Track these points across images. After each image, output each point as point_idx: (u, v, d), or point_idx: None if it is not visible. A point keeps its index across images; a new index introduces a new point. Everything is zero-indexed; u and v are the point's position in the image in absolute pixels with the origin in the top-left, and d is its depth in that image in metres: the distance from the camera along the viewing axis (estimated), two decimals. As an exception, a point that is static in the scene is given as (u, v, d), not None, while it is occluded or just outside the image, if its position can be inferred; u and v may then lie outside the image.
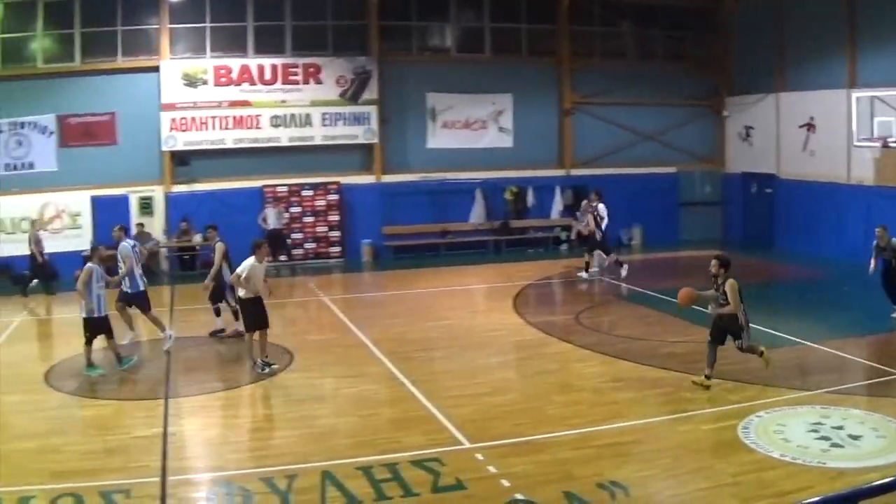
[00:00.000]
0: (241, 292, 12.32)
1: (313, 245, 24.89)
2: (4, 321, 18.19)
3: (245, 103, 24.39)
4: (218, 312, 15.63)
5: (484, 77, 25.60)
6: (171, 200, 24.24)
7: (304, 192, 24.69)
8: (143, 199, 24.09)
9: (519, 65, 25.95)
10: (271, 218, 23.43)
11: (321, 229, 24.89)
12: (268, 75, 24.44)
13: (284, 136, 24.58)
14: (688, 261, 23.07)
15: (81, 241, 23.21)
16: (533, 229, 25.89)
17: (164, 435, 9.80)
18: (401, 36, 25.39)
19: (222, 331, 15.56)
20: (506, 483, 7.86)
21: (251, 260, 11.99)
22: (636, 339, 13.64)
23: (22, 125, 23.81)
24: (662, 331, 14.25)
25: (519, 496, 7.54)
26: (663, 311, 15.47)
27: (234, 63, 24.30)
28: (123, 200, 23.97)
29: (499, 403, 10.47)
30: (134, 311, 14.91)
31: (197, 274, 22.97)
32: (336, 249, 24.90)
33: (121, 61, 24.12)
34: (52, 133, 23.92)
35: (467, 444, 8.99)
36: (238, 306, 13.19)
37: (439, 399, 10.59)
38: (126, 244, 14.28)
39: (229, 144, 24.40)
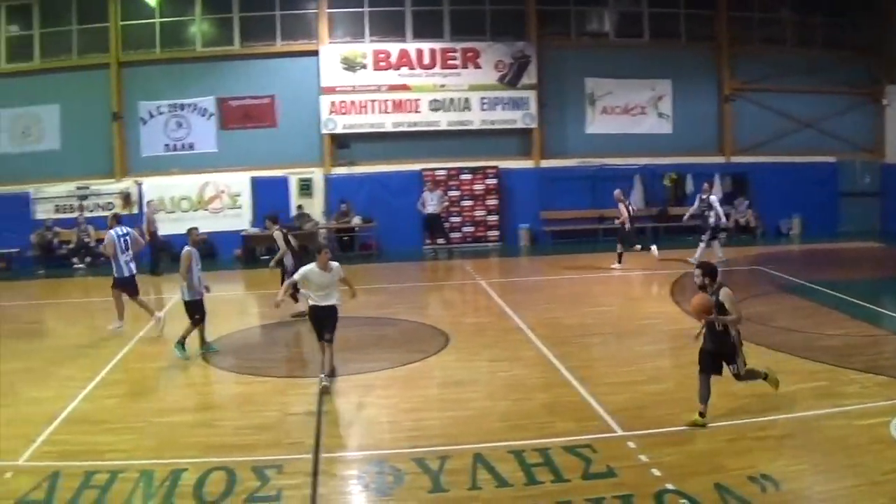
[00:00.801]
0: (309, 300, 11.17)
1: (471, 229, 25.02)
2: (164, 297, 18.79)
3: (404, 87, 24.77)
4: (295, 298, 15.62)
5: (642, 62, 25.80)
6: (330, 182, 24.54)
7: (463, 176, 24.88)
8: (302, 180, 24.42)
9: (677, 50, 26.13)
10: (431, 201, 23.58)
11: (479, 213, 25.03)
12: (426, 60, 24.85)
13: (443, 121, 24.88)
14: (846, 252, 22.78)
15: (241, 221, 23.67)
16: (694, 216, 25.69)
17: (318, 413, 9.94)
18: (559, 20, 25.74)
19: (303, 314, 15.60)
20: (656, 472, 7.77)
21: (311, 266, 10.95)
22: (792, 331, 13.15)
23: (182, 107, 24.40)
24: (819, 323, 13.82)
25: (669, 486, 7.45)
26: (821, 303, 15.24)
27: (393, 47, 24.75)
28: (283, 182, 24.34)
29: (653, 392, 10.33)
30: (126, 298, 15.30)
31: (355, 255, 23.25)
32: (494, 233, 25.02)
33: (279, 45, 24.69)
34: (212, 115, 24.46)
35: (619, 432, 8.91)
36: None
37: (593, 385, 10.54)
38: (112, 232, 14.63)
39: (388, 128, 24.76)
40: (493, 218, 24.99)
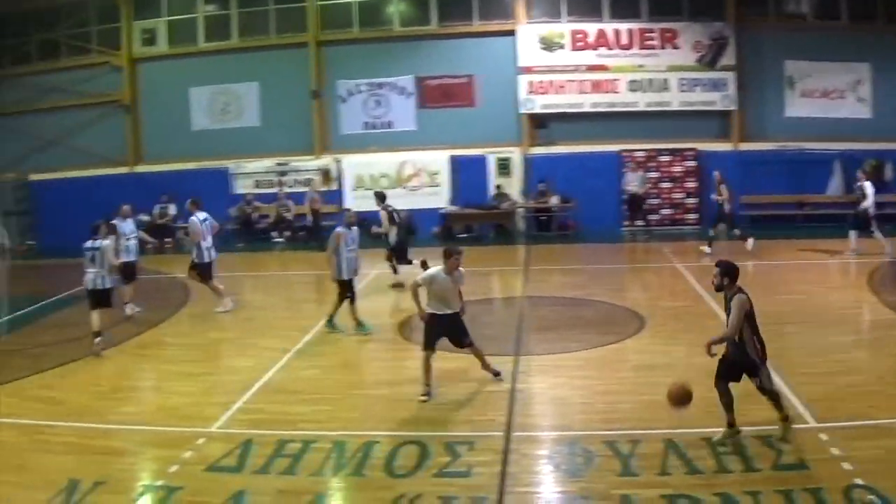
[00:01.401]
0: (427, 307, 10.26)
1: (670, 211, 25.08)
2: (363, 272, 19.06)
3: (602, 67, 25.04)
4: (395, 269, 16.64)
5: (841, 45, 25.71)
6: (529, 162, 24.79)
7: (662, 158, 24.96)
8: (500, 160, 24.74)
9: (876, 32, 26.04)
10: (634, 182, 23.72)
11: (678, 196, 25.08)
12: (624, 40, 25.09)
13: (642, 101, 25.07)
14: None
15: (439, 199, 23.98)
16: (892, 204, 25.56)
17: (512, 391, 10.03)
18: (757, 0, 25.80)
19: (401, 284, 16.00)
20: (848, 467, 7.54)
21: (436, 269, 10.13)
22: None
23: (381, 86, 24.90)
24: None
25: (859, 481, 7.21)
26: None
27: (591, 28, 25.04)
28: (481, 161, 24.70)
29: (849, 384, 10.00)
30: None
31: (553, 235, 23.44)
32: (692, 216, 25.00)
33: (476, 25, 25.12)
34: (410, 94, 24.92)
35: (812, 423, 8.70)
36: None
37: (788, 375, 10.19)
38: (195, 218, 14.98)
39: (587, 108, 25.00)
40: (692, 201, 25.02)
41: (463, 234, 24.16)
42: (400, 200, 23.08)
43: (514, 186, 24.63)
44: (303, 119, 24.86)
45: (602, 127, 24.97)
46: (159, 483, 8.19)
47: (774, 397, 8.39)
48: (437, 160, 24.44)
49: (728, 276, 8.20)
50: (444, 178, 24.47)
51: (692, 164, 25.01)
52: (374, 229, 18.90)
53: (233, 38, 25.23)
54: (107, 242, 13.49)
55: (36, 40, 26.71)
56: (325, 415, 9.58)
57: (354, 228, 13.43)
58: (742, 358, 8.18)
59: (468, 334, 10.25)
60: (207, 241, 15.08)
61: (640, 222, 24.05)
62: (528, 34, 24.74)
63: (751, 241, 19.83)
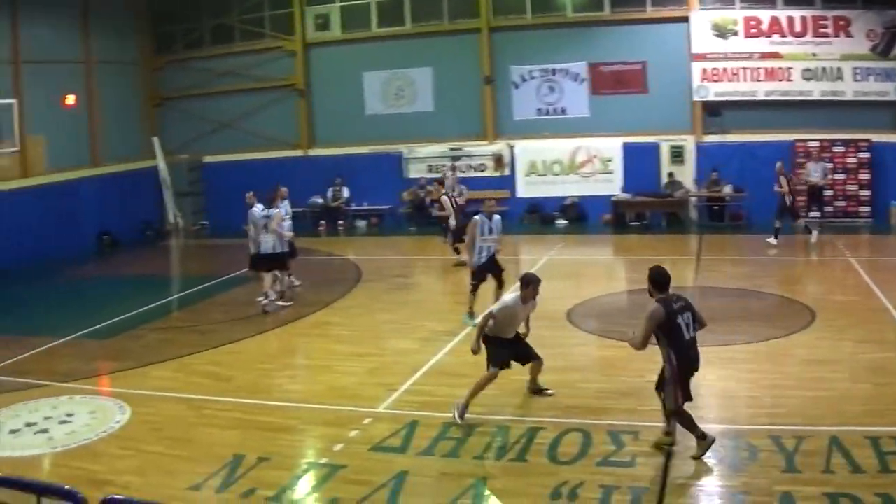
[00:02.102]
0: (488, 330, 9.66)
1: (843, 203, 25.45)
2: (533, 258, 19.85)
3: (775, 55, 25.48)
4: (457, 251, 17.63)
5: None
6: (701, 150, 25.42)
7: (835, 149, 25.31)
8: (673, 147, 25.40)
9: None
10: (816, 172, 24.10)
11: (851, 188, 25.43)
12: (797, 27, 25.48)
13: (816, 90, 25.44)
14: None
15: (611, 186, 24.74)
16: None
17: None
18: (935, -12, 25.95)
19: (464, 263, 16.42)
20: None
21: (512, 297, 9.88)
22: None
23: (553, 72, 25.70)
24: None
25: None
26: None
27: (764, 14, 25.48)
28: (653, 148, 25.39)
29: None
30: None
31: (725, 225, 24.01)
32: (865, 209, 25.34)
33: (650, 11, 25.75)
34: (583, 80, 25.65)
35: None
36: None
37: None
38: (255, 210, 15.56)
39: (760, 97, 25.45)
40: (865, 193, 25.33)
41: (634, 221, 24.86)
42: (572, 187, 24.05)
43: (686, 174, 25.17)
44: (475, 105, 25.77)
45: (774, 116, 25.44)
46: (323, 461, 8.60)
47: (669, 420, 8.30)
48: (610, 147, 25.19)
49: (651, 283, 8.11)
50: (617, 165, 25.19)
51: (865, 155, 25.31)
52: (434, 212, 21.07)
53: (406, 23, 26.18)
54: (276, 211, 15.29)
55: (210, 25, 28.02)
56: (490, 399, 9.71)
57: (496, 217, 13.67)
58: (663, 371, 8.12)
59: (533, 350, 9.91)
60: (266, 234, 15.67)
61: (816, 213, 24.40)
62: (701, 21, 25.28)
63: (815, 233, 20.51)
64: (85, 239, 24.41)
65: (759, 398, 9.78)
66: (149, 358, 13.36)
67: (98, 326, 15.25)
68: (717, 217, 25.08)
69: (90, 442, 9.65)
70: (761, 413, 9.25)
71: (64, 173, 25.27)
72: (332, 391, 10.84)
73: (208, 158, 27.89)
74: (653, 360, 8.68)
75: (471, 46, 26.07)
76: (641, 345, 7.99)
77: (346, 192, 25.70)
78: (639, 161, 25.21)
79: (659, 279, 8.04)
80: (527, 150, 25.71)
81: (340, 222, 26.09)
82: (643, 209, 25.35)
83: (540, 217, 25.10)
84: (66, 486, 4.84)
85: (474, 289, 13.62)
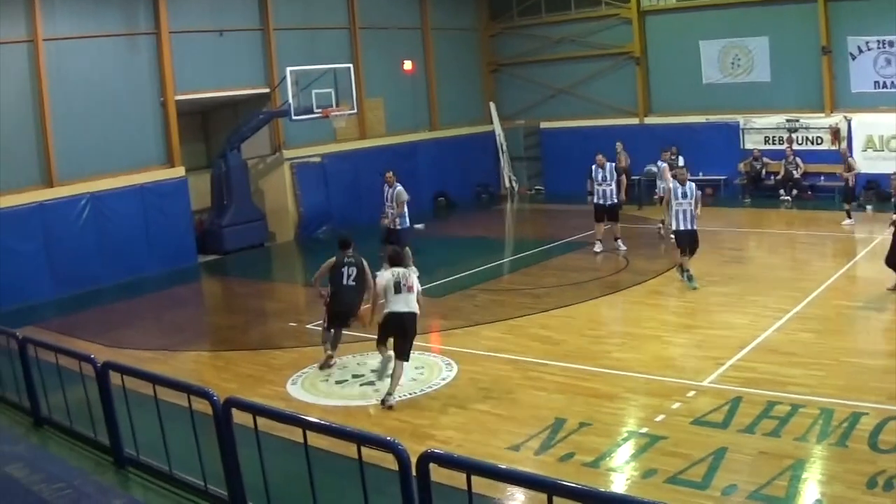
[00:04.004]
0: None
1: None
2: (867, 238, 19.69)
3: None
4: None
5: None
6: None
7: None
8: None
9: None
10: None
11: None
12: None
13: None
14: None
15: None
16: None
17: None
18: None
19: None
20: None
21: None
22: None
23: (892, 44, 26.82)
24: None
25: None
26: None
27: None
28: None
29: None
30: None
31: None
32: None
33: None
34: (921, 51, 26.36)
35: None
36: None
37: None
38: (402, 188, 17.50)
39: None
40: None
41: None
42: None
43: None
44: (812, 76, 26.32)
45: None
46: (643, 430, 9.02)
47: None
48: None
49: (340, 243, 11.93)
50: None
51: None
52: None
53: (744, -8, 27.97)
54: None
55: (547, -7, 30.83)
56: (816, 380, 9.92)
57: (689, 184, 15.42)
58: None
59: None
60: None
61: None
62: None
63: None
64: (421, 200, 26.53)
65: None
66: (479, 318, 14.82)
67: (431, 285, 16.83)
68: None
69: (415, 397, 10.70)
70: None
71: (402, 136, 28.60)
72: (658, 361, 11.27)
73: (545, 124, 29.97)
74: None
75: (807, 15, 26.06)
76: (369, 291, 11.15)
77: (681, 161, 28.38)
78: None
79: (343, 238, 11.89)
80: (863, 124, 25.61)
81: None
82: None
83: (876, 194, 26.75)
84: (388, 438, 5.22)
85: (685, 253, 15.59)
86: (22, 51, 19.40)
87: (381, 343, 10.76)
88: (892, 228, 14.29)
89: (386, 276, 10.62)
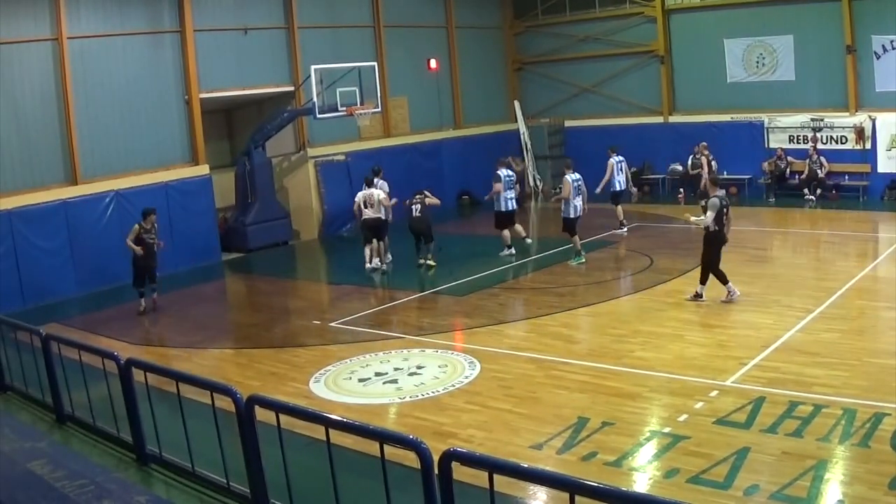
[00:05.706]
0: None
1: None
2: (891, 237, 19.57)
3: None
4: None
5: None
6: None
7: None
8: None
9: None
10: None
11: None
12: None
13: None
14: None
15: None
16: None
17: None
18: None
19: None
20: None
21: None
22: None
23: (914, 42, 26.25)
24: None
25: None
26: None
27: None
28: None
29: None
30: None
31: None
32: None
33: None
34: None
35: None
36: None
37: None
38: (501, 172, 19.13)
39: None
40: None
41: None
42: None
43: None
44: (837, 74, 26.01)
45: None
46: (666, 430, 8.99)
47: None
48: None
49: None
50: None
51: None
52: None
53: (770, -10, 27.80)
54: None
55: (571, -8, 30.95)
56: (840, 380, 9.88)
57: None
58: None
59: None
60: (509, 192, 19.43)
61: None
62: None
63: None
64: (445, 198, 25.84)
65: None
66: (502, 316, 14.89)
67: (455, 283, 17.16)
68: None
69: (438, 395, 10.77)
70: None
71: (426, 134, 28.72)
72: (680, 361, 11.25)
73: (569, 123, 30.01)
74: None
75: (832, 14, 25.83)
76: None
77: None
78: None
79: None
80: (887, 123, 25.29)
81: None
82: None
83: (898, 191, 26.23)
84: (411, 436, 5.24)
85: None
86: (46, 49, 19.52)
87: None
88: None
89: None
